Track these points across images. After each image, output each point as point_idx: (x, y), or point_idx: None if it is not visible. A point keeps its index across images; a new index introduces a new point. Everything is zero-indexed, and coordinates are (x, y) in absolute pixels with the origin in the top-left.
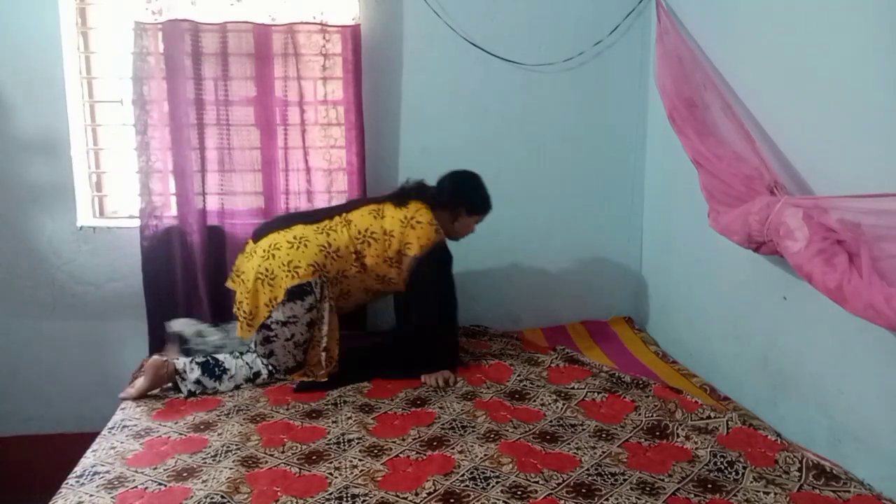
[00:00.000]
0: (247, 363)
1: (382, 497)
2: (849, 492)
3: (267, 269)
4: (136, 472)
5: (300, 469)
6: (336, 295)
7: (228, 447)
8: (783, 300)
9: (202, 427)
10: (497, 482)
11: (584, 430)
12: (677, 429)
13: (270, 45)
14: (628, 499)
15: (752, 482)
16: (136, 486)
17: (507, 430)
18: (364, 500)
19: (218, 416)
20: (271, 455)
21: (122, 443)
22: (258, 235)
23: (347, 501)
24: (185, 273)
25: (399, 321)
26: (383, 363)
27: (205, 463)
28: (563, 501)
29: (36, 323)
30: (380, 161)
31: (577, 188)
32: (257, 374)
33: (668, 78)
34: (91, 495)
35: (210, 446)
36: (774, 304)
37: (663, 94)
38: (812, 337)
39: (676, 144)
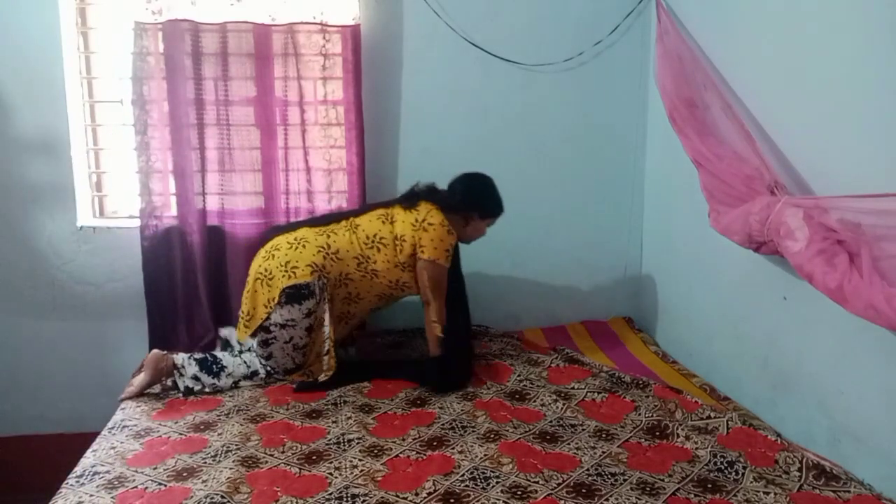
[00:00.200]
0: (244, 361)
1: (382, 497)
2: (849, 492)
3: (266, 270)
4: (136, 472)
5: (300, 469)
6: (342, 297)
7: (228, 447)
8: (783, 300)
9: (202, 427)
10: (497, 482)
11: (584, 430)
12: (677, 429)
13: (270, 45)
14: (628, 499)
15: (752, 482)
16: (136, 486)
17: (507, 430)
18: (364, 500)
19: (218, 416)
20: (271, 455)
21: (122, 443)
22: (266, 238)
23: (347, 501)
24: (185, 273)
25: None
26: (389, 367)
27: (205, 463)
28: (563, 501)
29: (36, 323)
30: (380, 161)
31: (577, 188)
32: (255, 373)
33: (668, 78)
34: (91, 495)
35: (210, 446)
36: (774, 304)
37: (663, 94)
38: (812, 337)
39: (676, 144)
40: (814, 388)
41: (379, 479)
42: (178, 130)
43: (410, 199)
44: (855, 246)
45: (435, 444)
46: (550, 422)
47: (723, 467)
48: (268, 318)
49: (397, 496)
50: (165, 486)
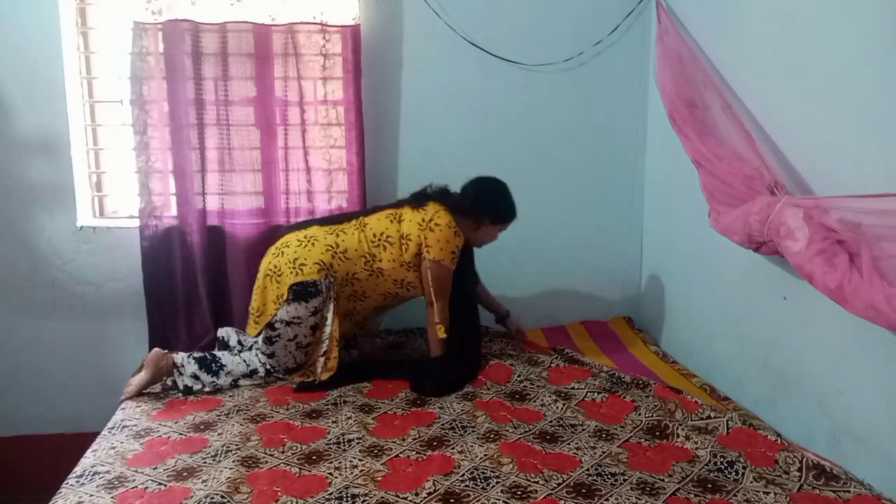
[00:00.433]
0: (243, 360)
1: (382, 497)
2: (849, 492)
3: (275, 266)
4: (136, 471)
5: (300, 469)
6: (348, 294)
7: (228, 447)
8: (783, 300)
9: (202, 427)
10: (497, 482)
11: (584, 430)
12: (677, 429)
13: (270, 45)
14: (628, 499)
15: (752, 482)
16: (136, 486)
17: (507, 431)
18: (364, 500)
19: (218, 415)
20: (271, 455)
21: (122, 443)
22: (279, 235)
23: (347, 501)
24: (185, 273)
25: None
26: (389, 367)
27: (205, 463)
28: (563, 501)
29: (36, 323)
30: (380, 161)
31: (577, 188)
32: (254, 371)
33: (668, 78)
34: (91, 495)
35: (210, 446)
36: (774, 304)
37: (663, 94)
38: (812, 337)
39: (676, 144)
40: (814, 388)
41: (379, 479)
42: (178, 130)
43: (420, 200)
44: (855, 246)
45: (435, 444)
46: (550, 422)
47: (723, 467)
48: (275, 315)
49: (397, 496)
50: (165, 486)
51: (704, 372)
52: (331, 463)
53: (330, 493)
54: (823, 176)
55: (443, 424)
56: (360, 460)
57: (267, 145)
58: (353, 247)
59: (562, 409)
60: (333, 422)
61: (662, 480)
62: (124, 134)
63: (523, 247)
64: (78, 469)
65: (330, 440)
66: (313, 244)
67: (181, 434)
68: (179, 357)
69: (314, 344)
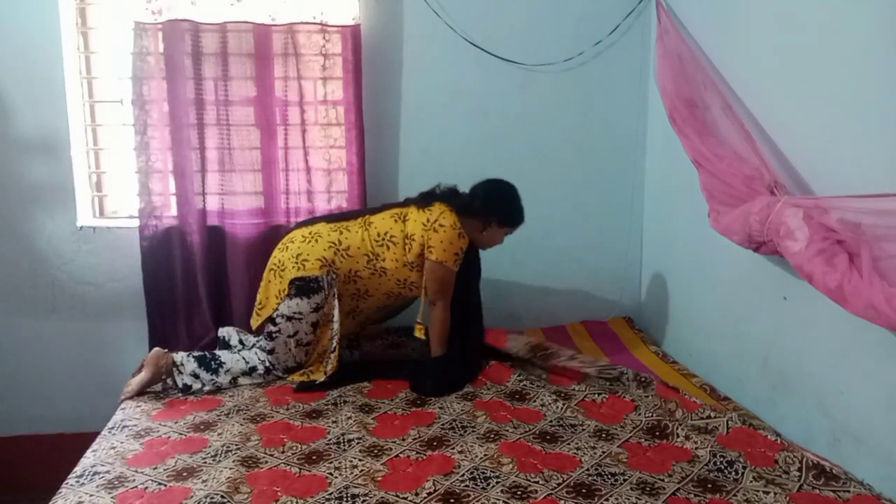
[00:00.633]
0: (243, 357)
1: (382, 497)
2: (849, 492)
3: (279, 261)
4: (136, 471)
5: (300, 469)
6: (350, 293)
7: (228, 447)
8: (783, 300)
9: (202, 427)
10: (497, 482)
11: (584, 430)
12: (677, 429)
13: (270, 45)
14: (628, 499)
15: (751, 482)
16: (136, 486)
17: (507, 430)
18: (364, 500)
19: (218, 415)
20: (271, 455)
21: (122, 443)
22: (287, 231)
23: (347, 501)
24: (185, 273)
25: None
26: (389, 367)
27: (205, 463)
28: (563, 501)
29: (36, 323)
30: (380, 161)
31: (577, 188)
32: (253, 369)
33: (668, 78)
34: (91, 495)
35: (210, 446)
36: (774, 304)
37: (663, 94)
38: (812, 337)
39: (676, 144)
40: (814, 388)
41: (379, 479)
42: (178, 130)
43: (427, 199)
44: (855, 246)
45: (435, 444)
46: (550, 422)
47: (723, 467)
48: (276, 309)
49: (397, 496)
50: (165, 485)
51: (704, 372)
52: (331, 463)
53: (330, 493)
54: (823, 176)
55: (443, 424)
56: (360, 460)
57: (267, 145)
58: (355, 244)
59: (562, 408)
60: (333, 422)
61: (662, 480)
62: (124, 134)
63: (523, 247)
64: (78, 469)
65: (330, 440)
66: (317, 240)
67: (181, 434)
68: (179, 356)
69: (314, 343)
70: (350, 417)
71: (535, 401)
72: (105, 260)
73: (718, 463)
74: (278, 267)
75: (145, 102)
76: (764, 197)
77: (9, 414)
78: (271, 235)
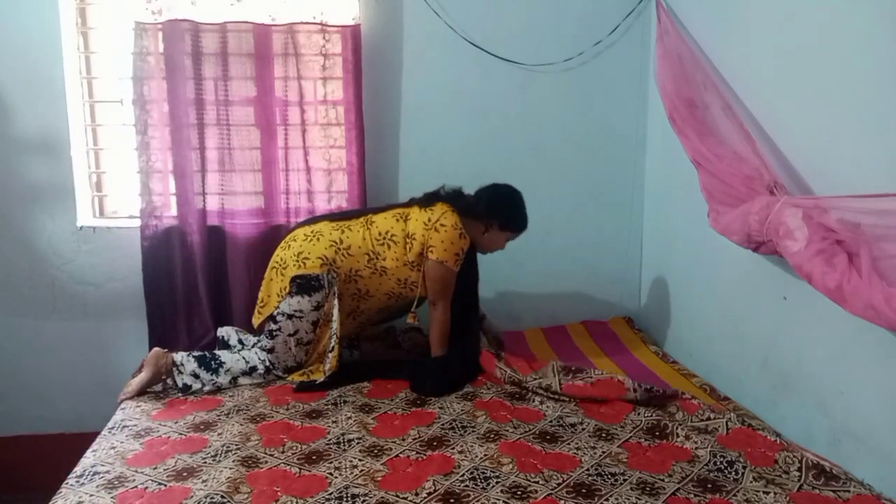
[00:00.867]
0: (242, 357)
1: (382, 497)
2: (849, 492)
3: (281, 259)
4: (136, 471)
5: (300, 469)
6: (351, 293)
7: (228, 447)
8: (783, 300)
9: (202, 427)
10: (497, 482)
11: (584, 430)
12: (677, 429)
13: (270, 45)
14: (628, 499)
15: (751, 482)
16: (136, 486)
17: (507, 430)
18: (364, 500)
19: (218, 415)
20: (271, 455)
21: (122, 443)
22: (291, 229)
23: (347, 501)
24: (186, 273)
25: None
26: (389, 367)
27: (205, 463)
28: (563, 501)
29: (36, 323)
30: (380, 161)
31: (577, 188)
32: (253, 369)
33: (668, 78)
34: (91, 495)
35: (210, 446)
36: (774, 304)
37: (663, 94)
38: (812, 337)
39: (676, 144)
40: (814, 388)
41: (379, 479)
42: (178, 130)
43: (430, 200)
44: (854, 246)
45: (435, 444)
46: (550, 422)
47: (722, 467)
48: (277, 307)
49: (397, 496)
50: (165, 485)
51: (704, 372)
52: (331, 463)
53: (330, 493)
54: (823, 176)
55: (443, 424)
56: (360, 460)
57: (267, 145)
58: (356, 244)
59: (562, 408)
60: (333, 422)
61: (662, 480)
62: (124, 134)
63: (523, 247)
64: (78, 469)
65: (330, 440)
66: (318, 239)
67: (181, 434)
68: (179, 356)
69: (314, 342)
70: (350, 417)
71: (534, 401)
72: (105, 260)
73: (718, 463)
74: (280, 265)
75: (145, 102)
76: (763, 197)
77: (9, 414)
78: (271, 235)
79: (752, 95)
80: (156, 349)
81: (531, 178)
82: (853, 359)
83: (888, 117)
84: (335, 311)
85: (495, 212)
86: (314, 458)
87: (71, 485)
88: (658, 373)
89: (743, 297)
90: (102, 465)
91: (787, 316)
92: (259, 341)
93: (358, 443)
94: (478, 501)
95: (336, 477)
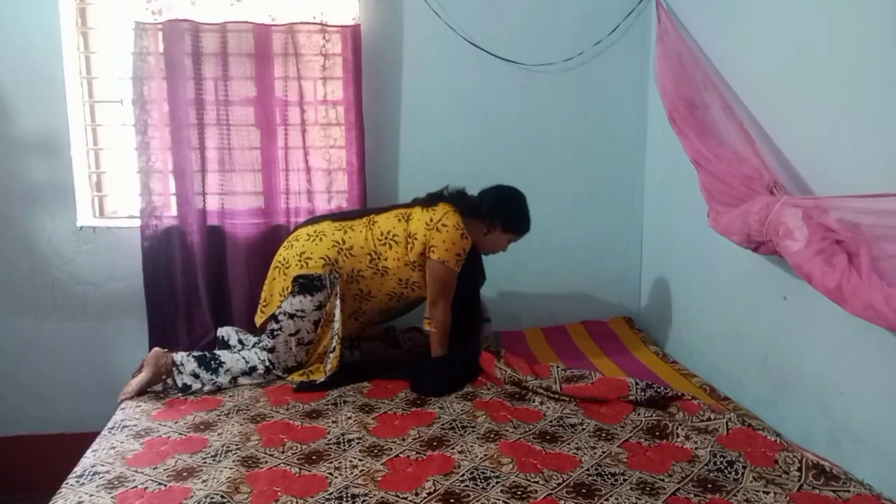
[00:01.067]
0: (242, 357)
1: (382, 497)
2: (849, 492)
3: (284, 259)
4: (136, 471)
5: (300, 469)
6: (353, 293)
7: (228, 447)
8: (783, 300)
9: (202, 427)
10: (497, 482)
11: (584, 430)
12: (677, 429)
13: (270, 45)
14: (628, 499)
15: (751, 482)
16: (136, 486)
17: (507, 430)
18: (364, 500)
19: (218, 415)
20: (271, 455)
21: (122, 443)
22: (294, 229)
23: (347, 501)
24: (186, 273)
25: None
26: (390, 366)
27: (205, 463)
28: (563, 501)
29: (36, 323)
30: (380, 161)
31: (577, 188)
32: (253, 369)
33: (668, 78)
34: (91, 495)
35: (210, 446)
36: (774, 304)
37: (663, 94)
38: (812, 337)
39: (676, 144)
40: (814, 388)
41: (379, 479)
42: (178, 130)
43: (432, 200)
44: (854, 246)
45: (435, 444)
46: (550, 422)
47: (722, 467)
48: (279, 307)
49: (397, 496)
50: (165, 485)
51: (704, 372)
52: (331, 463)
53: (330, 493)
54: (823, 176)
55: (443, 424)
56: (360, 460)
57: (267, 145)
58: (359, 244)
59: (562, 408)
60: (333, 422)
61: (662, 480)
62: (124, 134)
63: (523, 247)
64: (78, 469)
65: (330, 440)
66: (321, 239)
67: (181, 434)
68: (179, 356)
69: (315, 342)
70: (350, 417)
71: (534, 401)
72: (105, 260)
73: (718, 463)
74: (283, 264)
75: (145, 102)
76: (763, 197)
77: (9, 414)
78: (271, 235)
79: (752, 95)
80: (156, 349)
81: (531, 178)
82: (853, 359)
83: (888, 117)
84: (337, 312)
85: (498, 213)
86: (314, 458)
87: (71, 485)
88: (658, 373)
89: (743, 297)
90: (102, 465)
91: (787, 316)
92: (259, 341)
93: (358, 443)
94: (478, 501)
95: (336, 477)
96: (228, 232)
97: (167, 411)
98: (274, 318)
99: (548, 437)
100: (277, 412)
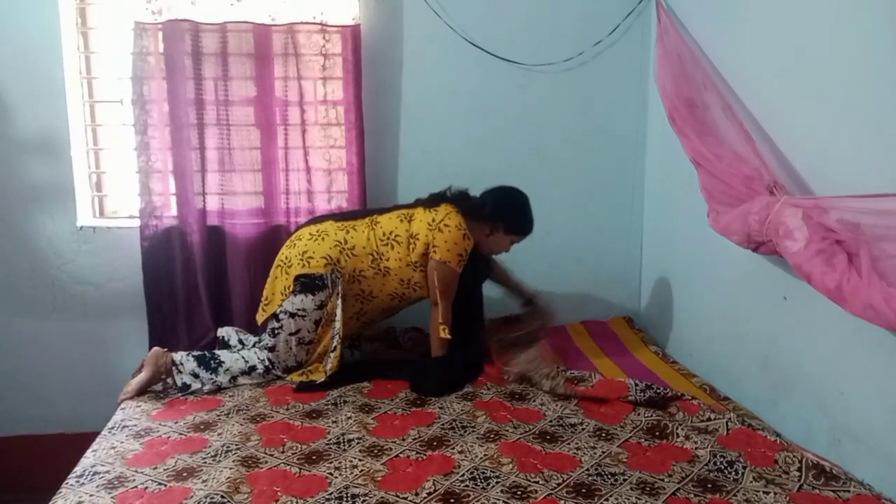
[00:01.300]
0: (242, 357)
1: (382, 497)
2: (849, 492)
3: (286, 258)
4: (136, 471)
5: (300, 469)
6: (355, 293)
7: (228, 447)
8: (783, 300)
9: (202, 427)
10: (497, 482)
11: (584, 430)
12: (677, 429)
13: (270, 45)
14: (628, 499)
15: (751, 482)
16: (136, 486)
17: (507, 430)
18: (364, 500)
19: (218, 415)
20: (271, 455)
21: (122, 443)
22: (297, 228)
23: (347, 501)
24: (186, 273)
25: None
26: (390, 366)
27: (205, 463)
28: (563, 501)
29: (36, 323)
30: (380, 161)
31: (577, 188)
32: (252, 368)
33: (668, 78)
34: (91, 495)
35: (210, 446)
36: (774, 304)
37: (663, 94)
38: (812, 337)
39: (676, 144)
40: (814, 388)
41: (379, 479)
42: (178, 130)
43: (435, 201)
44: (854, 246)
45: (435, 444)
46: (550, 422)
47: (722, 467)
48: (280, 305)
49: (397, 496)
50: (165, 485)
51: (704, 372)
52: (331, 463)
53: (330, 493)
54: (823, 176)
55: (443, 424)
56: (360, 460)
57: (267, 145)
58: (361, 244)
59: (562, 408)
60: (333, 422)
61: (662, 480)
62: (124, 134)
63: (523, 247)
64: (78, 469)
65: (330, 440)
66: (323, 238)
67: (181, 434)
68: (178, 355)
69: (315, 342)
70: (350, 417)
71: (535, 401)
72: (105, 260)
73: (718, 463)
74: (285, 263)
75: (145, 102)
76: (763, 197)
77: (9, 414)
78: (271, 235)
79: (752, 95)
80: (155, 348)
81: (531, 178)
82: (853, 359)
83: (888, 117)
84: (338, 312)
85: (501, 214)
86: (314, 458)
87: (71, 485)
88: (658, 373)
89: (743, 297)
90: (102, 465)
91: (787, 316)
92: (259, 340)
93: (358, 443)
94: (478, 501)
95: (336, 477)
96: (228, 232)
97: (167, 411)
98: (275, 316)
99: (548, 437)
100: (277, 412)
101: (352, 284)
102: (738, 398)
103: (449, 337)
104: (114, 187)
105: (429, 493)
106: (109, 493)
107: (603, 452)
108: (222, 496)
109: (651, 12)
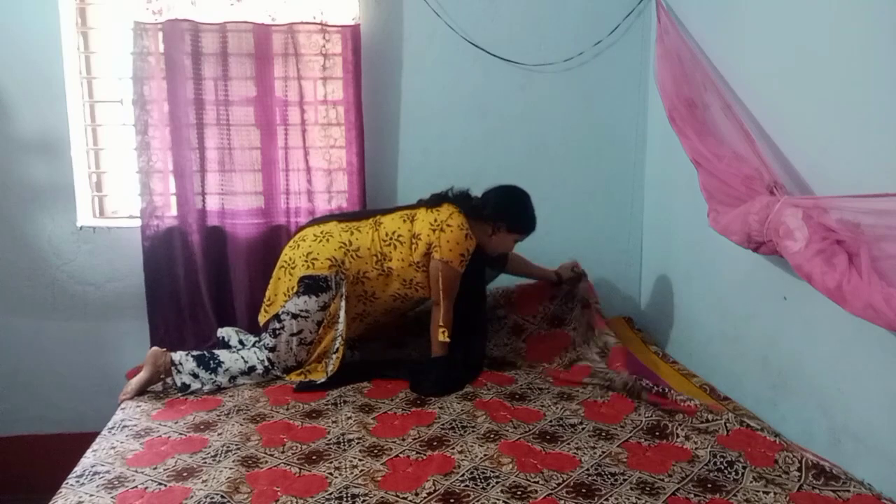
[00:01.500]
0: (241, 357)
1: (382, 497)
2: (849, 492)
3: (290, 259)
4: (136, 471)
5: (300, 469)
6: (358, 294)
7: (228, 447)
8: (783, 300)
9: (202, 427)
10: (497, 482)
11: (584, 430)
12: (677, 429)
13: (270, 45)
14: (628, 499)
15: (751, 482)
16: (136, 486)
17: (507, 430)
18: (364, 500)
19: (218, 415)
20: (271, 455)
21: (122, 443)
22: (299, 229)
23: (347, 501)
24: (186, 273)
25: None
26: (390, 366)
27: (205, 463)
28: (563, 501)
29: (36, 323)
30: (380, 161)
31: (577, 188)
32: (252, 368)
33: (668, 78)
34: (91, 495)
35: (210, 446)
36: (774, 304)
37: (663, 94)
38: (812, 337)
39: (676, 144)
40: (814, 388)
41: (379, 479)
42: (179, 130)
43: (437, 201)
44: (854, 246)
45: (435, 444)
46: (550, 422)
47: (722, 467)
48: (283, 306)
49: (397, 496)
50: (165, 485)
51: (704, 372)
52: (331, 463)
53: (330, 493)
54: (823, 176)
55: (443, 424)
56: (360, 460)
57: (267, 145)
58: (365, 245)
59: (562, 409)
60: (333, 422)
61: (662, 480)
62: (124, 134)
63: (523, 247)
64: (78, 469)
65: (330, 440)
66: (328, 240)
67: (181, 434)
68: (178, 355)
69: (318, 342)
70: (350, 417)
71: (535, 401)
72: (105, 260)
73: (718, 463)
74: (289, 264)
75: (145, 102)
76: (763, 197)
77: (9, 414)
78: (272, 235)
79: (752, 95)
80: (154, 348)
81: (531, 178)
82: (853, 359)
83: (888, 117)
84: (341, 313)
85: (503, 213)
86: (314, 458)
87: (71, 485)
88: (658, 373)
89: (743, 297)
90: (102, 465)
91: (787, 316)
92: (259, 340)
93: (358, 443)
94: (478, 501)
95: (336, 477)
96: (229, 232)
97: (167, 411)
98: (277, 317)
99: (548, 437)
100: (277, 412)
101: (355, 286)
102: (738, 398)
103: (448, 340)
104: (114, 187)
105: (429, 493)
106: (109, 493)
107: (603, 452)
108: (222, 496)
109: (651, 12)
